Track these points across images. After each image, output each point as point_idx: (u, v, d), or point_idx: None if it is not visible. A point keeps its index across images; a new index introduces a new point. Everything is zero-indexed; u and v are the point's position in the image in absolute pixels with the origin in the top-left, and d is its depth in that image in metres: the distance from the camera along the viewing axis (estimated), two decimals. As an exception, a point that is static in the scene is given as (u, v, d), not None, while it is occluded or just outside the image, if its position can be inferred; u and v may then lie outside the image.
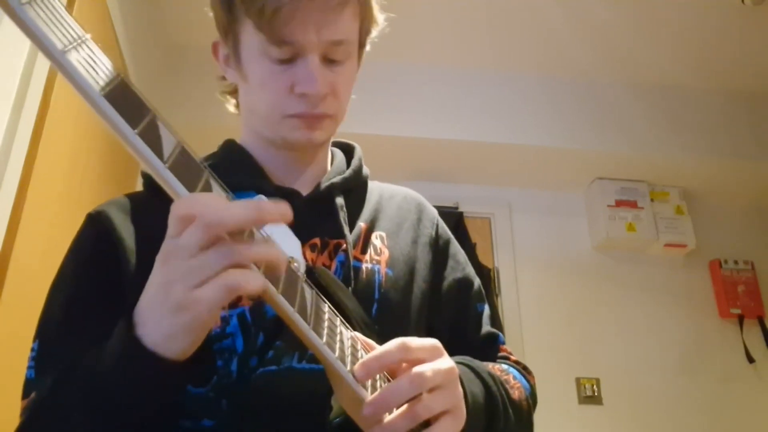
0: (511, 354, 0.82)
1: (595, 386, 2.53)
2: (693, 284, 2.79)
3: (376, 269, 0.74)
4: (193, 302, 0.45)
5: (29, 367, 0.62)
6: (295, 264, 0.53)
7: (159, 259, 0.48)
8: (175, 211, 0.46)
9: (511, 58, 2.66)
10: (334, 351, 0.51)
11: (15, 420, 0.58)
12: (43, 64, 1.37)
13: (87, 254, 0.70)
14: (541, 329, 2.58)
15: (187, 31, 2.43)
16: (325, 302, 0.55)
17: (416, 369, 0.52)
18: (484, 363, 0.71)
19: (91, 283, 0.67)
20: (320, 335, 0.51)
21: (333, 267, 0.71)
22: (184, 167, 0.46)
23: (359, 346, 0.56)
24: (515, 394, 0.71)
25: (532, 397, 0.76)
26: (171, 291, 0.46)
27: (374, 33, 0.79)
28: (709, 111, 2.76)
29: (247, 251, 0.46)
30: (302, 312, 0.50)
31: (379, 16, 0.78)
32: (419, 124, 2.57)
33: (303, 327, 0.50)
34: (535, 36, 2.54)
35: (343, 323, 0.56)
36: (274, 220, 0.47)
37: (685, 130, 2.71)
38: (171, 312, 0.46)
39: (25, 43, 1.32)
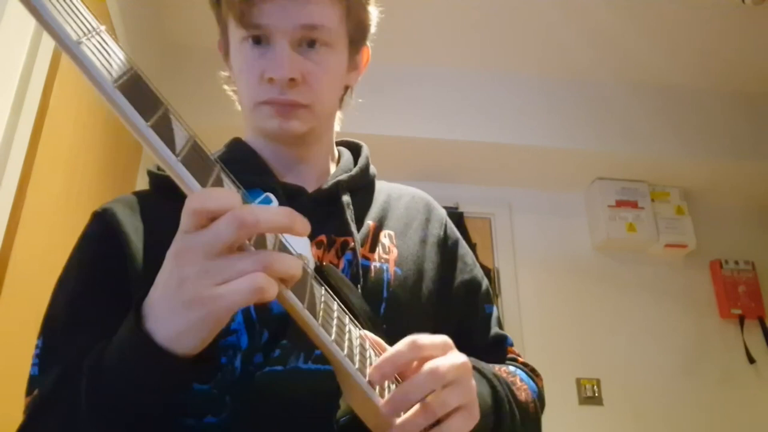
0: (519, 356, 0.82)
1: (595, 387, 2.52)
2: (693, 284, 2.79)
3: (385, 268, 0.73)
4: (215, 298, 0.44)
5: (33, 364, 0.62)
6: (305, 261, 0.53)
7: (172, 253, 0.47)
8: (190, 205, 0.45)
9: (511, 59, 2.66)
10: (342, 349, 0.51)
11: (16, 418, 0.58)
12: (42, 64, 1.36)
13: (92, 252, 0.69)
14: (541, 329, 2.58)
15: (187, 31, 2.43)
16: (335, 300, 0.55)
17: (431, 363, 0.52)
18: (491, 365, 0.70)
19: (97, 281, 0.66)
20: (329, 333, 0.50)
21: (341, 265, 0.70)
22: (196, 161, 0.46)
23: (368, 345, 0.56)
24: (521, 395, 0.70)
25: (540, 399, 0.76)
26: (188, 286, 0.45)
27: (372, 27, 0.79)
28: (709, 111, 2.76)
29: (281, 264, 0.45)
30: (311, 309, 0.50)
31: (372, 10, 0.77)
32: (419, 124, 2.56)
33: (312, 324, 0.49)
34: (535, 36, 2.53)
35: (352, 321, 0.56)
36: (303, 232, 0.47)
37: (685, 130, 2.71)
38: (185, 307, 0.45)
39: (25, 42, 1.32)
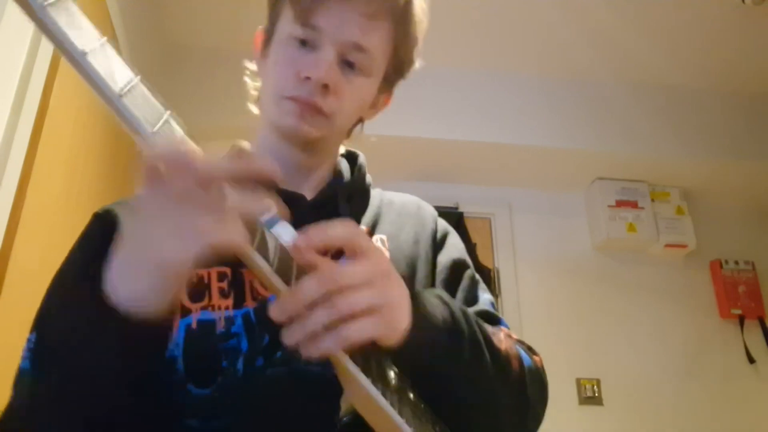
0: (513, 335, 0.79)
1: (595, 387, 2.53)
2: (693, 284, 2.79)
3: None
4: (167, 253, 0.44)
5: (24, 358, 0.61)
6: None
7: (131, 214, 0.46)
8: (149, 160, 0.44)
9: (511, 59, 2.66)
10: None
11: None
12: (42, 64, 1.36)
13: (92, 249, 0.69)
14: (541, 330, 2.57)
15: (187, 31, 2.42)
16: None
17: (330, 268, 0.50)
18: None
19: (95, 278, 0.67)
20: None
21: None
22: None
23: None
24: (501, 345, 0.67)
25: (534, 372, 0.71)
26: (142, 243, 0.44)
27: (406, 76, 0.82)
28: (708, 111, 2.76)
29: (225, 202, 0.45)
30: None
31: (417, 59, 0.80)
32: (419, 124, 2.57)
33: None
34: (535, 36, 2.53)
35: None
36: (258, 170, 0.46)
37: (685, 130, 2.71)
38: (141, 265, 0.45)
39: (25, 42, 1.32)
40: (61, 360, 0.51)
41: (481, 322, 0.66)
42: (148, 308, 0.46)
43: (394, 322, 0.53)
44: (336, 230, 0.52)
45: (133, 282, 0.46)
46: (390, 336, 0.53)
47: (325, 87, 0.71)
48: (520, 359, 0.69)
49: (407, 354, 0.54)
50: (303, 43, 0.72)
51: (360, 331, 0.49)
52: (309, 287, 0.49)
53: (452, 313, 0.62)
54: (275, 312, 0.48)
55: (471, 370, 0.61)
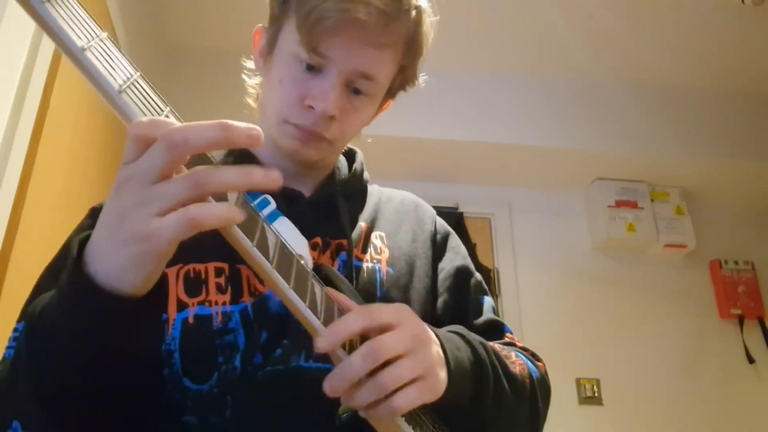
0: (517, 342, 0.82)
1: (595, 387, 2.52)
2: (693, 285, 2.79)
3: (377, 268, 0.74)
4: (152, 232, 0.42)
5: (9, 347, 0.59)
6: (303, 261, 0.54)
7: (113, 188, 0.44)
8: (132, 131, 0.43)
9: (511, 59, 2.66)
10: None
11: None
12: (42, 64, 1.36)
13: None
14: (541, 330, 2.58)
15: (187, 31, 2.43)
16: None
17: (372, 340, 0.51)
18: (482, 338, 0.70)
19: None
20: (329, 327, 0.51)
21: (335, 266, 0.72)
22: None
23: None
24: (515, 369, 0.70)
25: (542, 382, 0.75)
26: (126, 219, 0.42)
27: (408, 90, 0.83)
28: (709, 111, 2.76)
29: (213, 178, 0.43)
30: (313, 307, 0.51)
31: (421, 77, 0.81)
32: (419, 124, 2.56)
33: (314, 323, 0.50)
34: (535, 36, 2.53)
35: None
36: (243, 142, 0.44)
37: (685, 130, 2.71)
38: (126, 242, 0.43)
39: (25, 43, 1.32)
40: (30, 335, 0.50)
41: (497, 350, 0.68)
42: (126, 284, 0.45)
43: (437, 385, 0.55)
44: (352, 324, 0.52)
45: (111, 256, 0.44)
46: (433, 399, 0.55)
47: (332, 117, 0.71)
48: (530, 376, 0.72)
49: (441, 403, 0.56)
50: (309, 66, 0.71)
51: (408, 401, 0.51)
52: (355, 365, 0.50)
53: (476, 353, 0.63)
54: (327, 389, 0.50)
55: (494, 406, 0.63)
